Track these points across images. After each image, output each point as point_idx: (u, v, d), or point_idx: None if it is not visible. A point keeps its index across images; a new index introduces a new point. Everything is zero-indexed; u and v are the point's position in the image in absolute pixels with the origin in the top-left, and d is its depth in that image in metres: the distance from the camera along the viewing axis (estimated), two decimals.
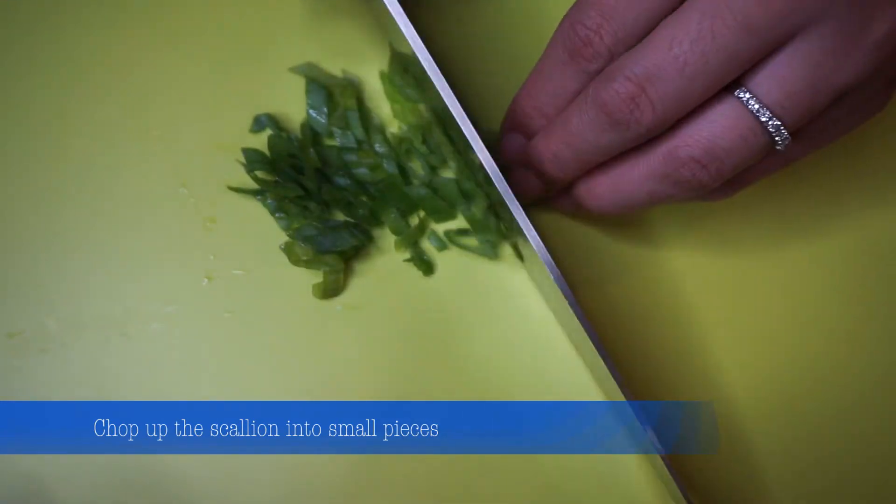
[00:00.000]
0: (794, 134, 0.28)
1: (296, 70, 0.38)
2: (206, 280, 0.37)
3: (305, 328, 0.37)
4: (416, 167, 0.37)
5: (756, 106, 0.27)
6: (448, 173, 0.37)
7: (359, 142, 0.38)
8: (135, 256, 0.37)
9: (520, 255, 0.37)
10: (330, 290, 0.37)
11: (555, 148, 0.31)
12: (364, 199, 0.37)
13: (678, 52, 0.26)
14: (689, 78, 0.26)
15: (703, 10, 0.26)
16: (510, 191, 0.31)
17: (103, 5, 0.39)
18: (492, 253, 0.37)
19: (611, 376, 0.31)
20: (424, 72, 0.30)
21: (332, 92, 0.38)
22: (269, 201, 0.37)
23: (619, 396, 0.32)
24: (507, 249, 0.38)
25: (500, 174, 0.31)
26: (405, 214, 0.37)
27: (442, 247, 0.38)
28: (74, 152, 0.38)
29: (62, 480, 0.35)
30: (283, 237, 0.37)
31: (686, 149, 0.28)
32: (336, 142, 0.38)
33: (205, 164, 0.38)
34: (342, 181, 0.37)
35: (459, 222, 0.38)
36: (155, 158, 0.38)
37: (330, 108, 0.38)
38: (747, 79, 0.27)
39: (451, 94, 0.30)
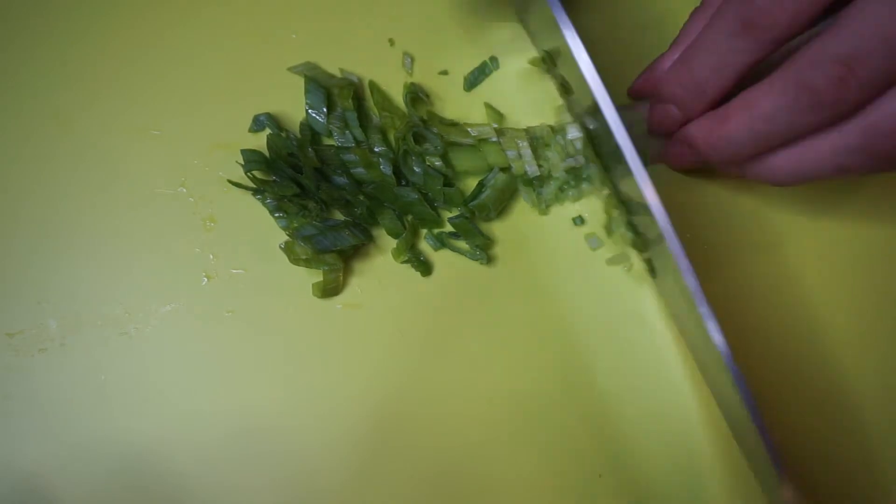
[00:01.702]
0: None
1: (295, 70, 0.38)
2: (205, 279, 0.37)
3: (305, 327, 0.37)
4: (409, 172, 0.37)
5: None
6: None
7: (357, 142, 0.38)
8: (134, 256, 0.37)
9: (652, 270, 0.37)
10: (329, 289, 0.37)
11: (732, 132, 0.31)
12: (362, 198, 0.37)
13: (886, 30, 0.26)
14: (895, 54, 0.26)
15: None
16: (658, 202, 0.30)
17: (102, 5, 0.39)
18: (483, 257, 0.37)
19: (742, 405, 0.30)
20: (581, 75, 0.31)
21: (331, 92, 0.38)
22: (268, 201, 0.37)
23: (745, 423, 0.31)
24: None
25: (650, 182, 0.30)
26: (401, 216, 0.37)
27: (438, 246, 0.38)
28: (74, 152, 0.38)
29: (62, 480, 0.35)
30: (283, 236, 0.37)
31: (891, 121, 0.28)
32: (335, 141, 0.38)
33: (204, 163, 0.38)
34: (340, 180, 0.37)
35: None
36: (155, 158, 0.38)
37: (329, 107, 0.38)
38: None
39: (608, 100, 0.30)
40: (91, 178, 0.38)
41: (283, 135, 0.37)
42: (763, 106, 0.30)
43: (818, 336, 0.37)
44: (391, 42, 0.40)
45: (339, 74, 0.39)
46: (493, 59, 0.40)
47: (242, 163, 0.37)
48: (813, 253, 0.38)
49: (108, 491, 0.35)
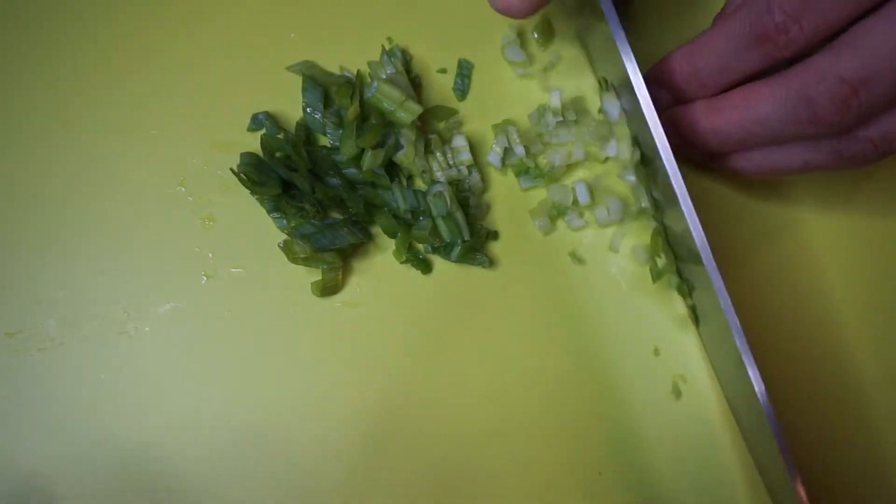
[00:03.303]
0: None
1: (293, 68, 0.38)
2: (205, 278, 0.37)
3: (304, 326, 0.37)
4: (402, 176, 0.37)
5: None
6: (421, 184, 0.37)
7: None
8: (134, 255, 0.37)
9: (695, 318, 0.37)
10: (329, 288, 0.37)
11: (722, 125, 0.31)
12: (357, 196, 0.37)
13: None
14: None
15: None
16: (708, 248, 0.31)
17: (105, 11, 0.40)
18: (484, 262, 0.37)
19: (775, 444, 0.30)
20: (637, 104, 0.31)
21: (328, 90, 0.38)
22: (266, 201, 0.37)
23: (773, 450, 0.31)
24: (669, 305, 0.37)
25: (702, 232, 0.31)
26: (397, 215, 0.37)
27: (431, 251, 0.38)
28: (73, 152, 0.38)
29: (62, 480, 0.35)
30: (283, 235, 0.37)
31: (865, 131, 0.29)
32: (328, 141, 0.38)
33: (204, 162, 0.38)
34: (334, 181, 0.37)
35: None
36: (154, 157, 0.38)
37: (326, 106, 0.38)
38: None
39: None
40: (90, 177, 0.38)
41: (280, 135, 0.37)
42: (760, 109, 0.30)
43: (832, 329, 0.37)
44: (389, 40, 0.40)
45: (338, 72, 0.39)
46: (465, 62, 0.39)
47: (232, 168, 0.36)
48: (824, 244, 0.38)
49: (107, 490, 0.35)
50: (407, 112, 0.35)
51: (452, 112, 0.39)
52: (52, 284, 0.37)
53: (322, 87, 0.38)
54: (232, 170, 0.36)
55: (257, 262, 0.37)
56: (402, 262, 0.37)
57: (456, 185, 0.37)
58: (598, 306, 0.37)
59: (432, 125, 0.39)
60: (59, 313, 0.36)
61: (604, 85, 0.37)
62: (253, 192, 0.36)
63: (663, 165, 0.31)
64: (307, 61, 0.38)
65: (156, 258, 0.37)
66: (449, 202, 0.35)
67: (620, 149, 0.35)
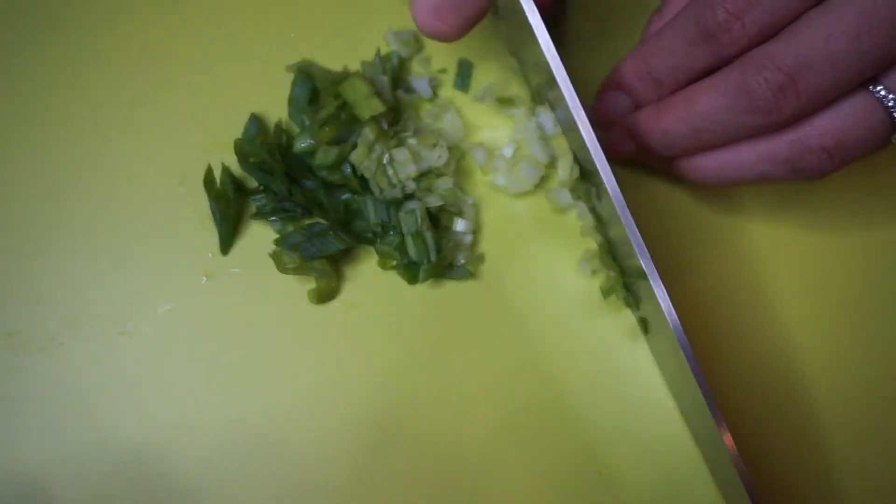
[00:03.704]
0: None
1: (291, 68, 0.38)
2: (204, 278, 0.37)
3: (304, 326, 0.37)
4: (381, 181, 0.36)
5: (892, 102, 0.28)
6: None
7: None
8: (133, 254, 0.37)
9: (645, 328, 0.36)
10: (325, 294, 0.36)
11: (670, 124, 0.31)
12: (336, 201, 0.36)
13: (834, 48, 0.26)
14: (841, 72, 0.27)
15: (862, 8, 0.26)
16: (653, 265, 0.30)
17: (106, 12, 0.40)
18: (466, 275, 0.37)
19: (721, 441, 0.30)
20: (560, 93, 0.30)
21: (318, 88, 0.37)
22: (260, 203, 0.37)
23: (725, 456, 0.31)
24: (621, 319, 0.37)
25: (643, 245, 0.30)
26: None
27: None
28: (73, 152, 0.38)
29: (62, 480, 0.35)
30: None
31: (818, 138, 0.29)
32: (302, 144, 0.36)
33: (203, 162, 0.38)
34: (309, 184, 0.36)
35: None
36: (153, 157, 0.38)
37: (313, 103, 0.37)
38: (882, 76, 0.28)
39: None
40: (90, 177, 0.38)
41: (258, 139, 0.36)
42: (703, 102, 0.30)
43: (779, 340, 0.37)
44: (388, 43, 0.39)
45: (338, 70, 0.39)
46: (465, 61, 0.39)
47: (208, 175, 0.37)
48: (772, 253, 0.38)
49: (107, 490, 0.35)
50: (369, 108, 0.35)
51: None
52: (52, 284, 0.37)
53: (314, 84, 0.37)
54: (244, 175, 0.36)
55: (257, 262, 0.37)
56: (386, 270, 0.37)
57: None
58: (580, 318, 0.37)
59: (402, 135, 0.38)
60: (59, 313, 0.36)
61: (538, 99, 0.37)
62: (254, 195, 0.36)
63: (602, 180, 0.30)
64: (305, 60, 0.38)
65: (155, 258, 0.37)
66: (420, 220, 0.35)
67: (560, 166, 0.35)
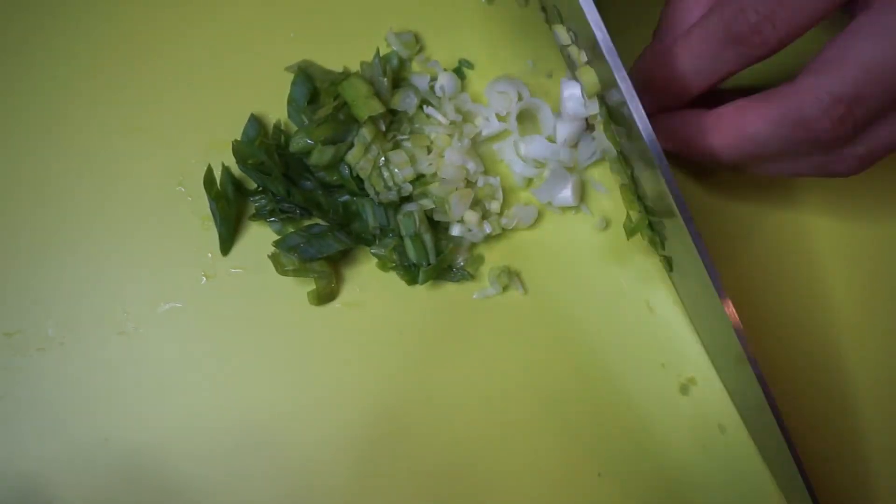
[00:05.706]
0: None
1: (290, 68, 0.38)
2: (204, 278, 0.37)
3: (304, 326, 0.37)
4: (377, 183, 0.36)
5: None
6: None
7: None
8: (133, 255, 0.37)
9: (669, 265, 0.36)
10: (324, 295, 0.36)
11: (719, 147, 0.31)
12: (335, 202, 0.36)
13: (886, 64, 0.27)
14: (893, 88, 0.27)
15: None
16: (682, 197, 0.29)
17: (102, 8, 0.39)
18: (465, 277, 0.37)
19: (754, 386, 0.30)
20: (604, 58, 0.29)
21: (318, 88, 0.37)
22: (258, 204, 0.37)
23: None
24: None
25: (664, 159, 0.29)
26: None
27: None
28: (73, 152, 0.38)
29: (62, 480, 0.35)
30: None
31: (853, 148, 0.30)
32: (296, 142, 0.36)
33: (203, 162, 0.37)
34: (307, 184, 0.36)
35: None
36: (153, 157, 0.38)
37: (312, 103, 0.37)
38: None
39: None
40: (89, 177, 0.38)
41: (256, 139, 0.36)
42: (758, 132, 0.30)
43: (824, 328, 0.37)
44: (388, 44, 0.39)
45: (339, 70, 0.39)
46: (465, 61, 0.39)
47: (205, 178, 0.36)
48: (791, 246, 0.38)
49: (107, 490, 0.35)
50: (367, 109, 0.34)
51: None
52: (52, 284, 0.37)
53: (313, 84, 0.37)
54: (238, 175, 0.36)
55: (257, 262, 0.37)
56: (386, 271, 0.37)
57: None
58: (598, 303, 0.37)
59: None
60: (59, 313, 0.36)
61: (554, 19, 0.36)
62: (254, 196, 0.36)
63: (631, 111, 0.29)
64: (305, 60, 0.38)
65: (155, 258, 0.37)
66: (418, 222, 0.35)
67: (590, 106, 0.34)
